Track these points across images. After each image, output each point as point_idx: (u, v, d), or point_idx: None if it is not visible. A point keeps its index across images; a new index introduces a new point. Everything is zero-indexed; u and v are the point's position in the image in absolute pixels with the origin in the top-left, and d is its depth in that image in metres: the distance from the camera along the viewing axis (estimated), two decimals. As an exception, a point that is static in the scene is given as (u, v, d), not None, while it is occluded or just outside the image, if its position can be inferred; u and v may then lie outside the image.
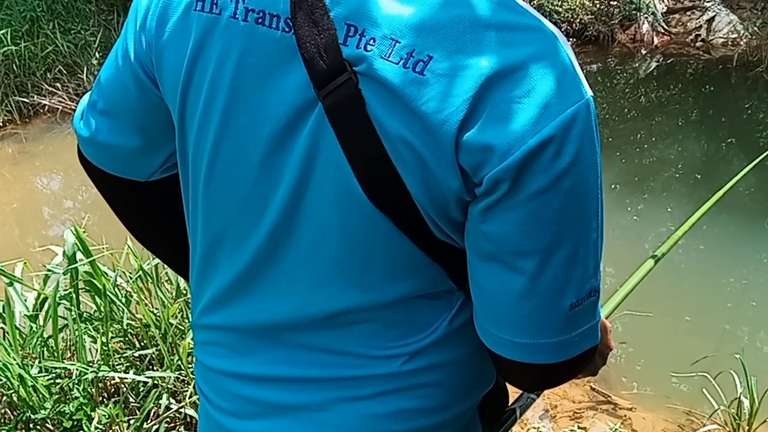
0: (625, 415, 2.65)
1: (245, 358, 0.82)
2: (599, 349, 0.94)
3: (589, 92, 0.65)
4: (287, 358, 0.79)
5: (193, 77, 0.72)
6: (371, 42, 0.63)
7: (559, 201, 0.64)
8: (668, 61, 7.26)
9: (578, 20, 7.55)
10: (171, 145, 0.82)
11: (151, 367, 2.23)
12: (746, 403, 2.46)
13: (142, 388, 2.18)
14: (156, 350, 2.20)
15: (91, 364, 2.08)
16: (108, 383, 2.19)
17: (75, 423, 1.95)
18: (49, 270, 2.28)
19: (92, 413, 1.97)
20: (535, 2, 7.94)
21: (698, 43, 7.40)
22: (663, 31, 7.61)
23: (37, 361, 2.08)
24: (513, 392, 0.96)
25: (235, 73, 0.70)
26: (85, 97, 0.88)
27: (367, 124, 0.64)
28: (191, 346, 2.15)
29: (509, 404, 0.97)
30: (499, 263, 0.68)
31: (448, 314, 0.77)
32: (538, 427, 2.57)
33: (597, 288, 0.70)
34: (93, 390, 2.09)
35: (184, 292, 2.37)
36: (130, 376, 2.11)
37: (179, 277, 2.38)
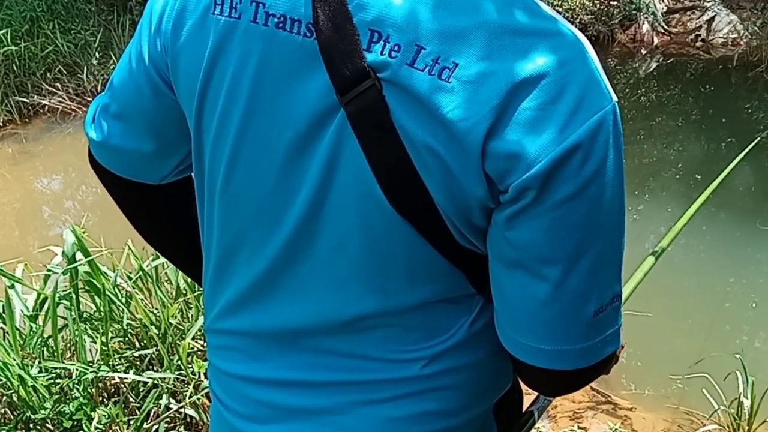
0: (625, 415, 2.65)
1: (262, 362, 0.82)
2: None
3: (614, 97, 0.64)
4: (305, 362, 0.79)
5: (210, 82, 0.72)
6: (396, 48, 0.63)
7: (586, 208, 0.64)
8: (668, 61, 7.26)
9: (578, 20, 7.54)
10: (185, 149, 0.82)
11: (151, 367, 2.23)
12: (746, 403, 2.46)
13: (142, 388, 2.18)
14: (156, 350, 2.20)
15: (91, 364, 2.08)
16: (108, 383, 2.19)
17: (75, 423, 1.95)
18: (48, 270, 2.28)
19: (92, 413, 1.97)
20: (535, 2, 7.93)
21: (698, 43, 7.40)
22: (663, 31, 7.61)
23: (37, 361, 2.08)
24: (527, 392, 0.96)
25: (255, 78, 0.69)
26: (96, 101, 0.87)
27: (390, 131, 0.64)
28: (191, 346, 2.15)
29: (525, 406, 0.97)
30: (523, 270, 0.67)
31: (468, 318, 0.77)
32: (538, 428, 2.57)
33: (619, 293, 0.70)
34: (93, 390, 2.10)
35: (184, 292, 2.37)
36: (130, 376, 2.11)
37: (179, 277, 2.38)
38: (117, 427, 2.04)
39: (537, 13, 0.64)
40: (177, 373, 2.12)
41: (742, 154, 1.63)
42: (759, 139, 1.97)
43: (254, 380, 0.82)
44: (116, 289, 2.32)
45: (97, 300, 2.27)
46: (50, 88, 5.79)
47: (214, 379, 0.89)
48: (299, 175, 0.70)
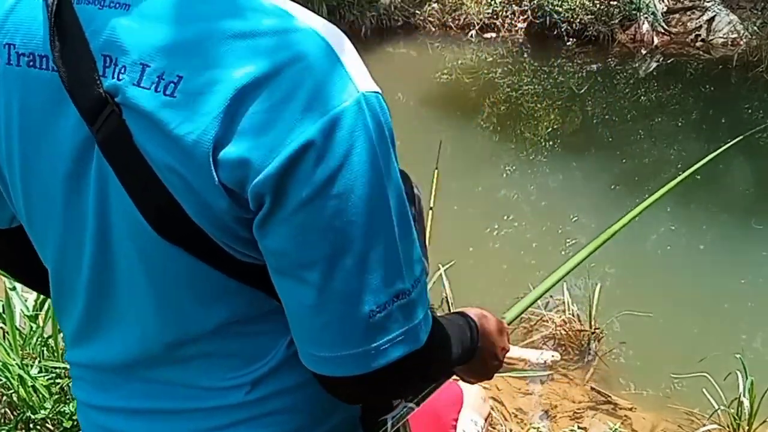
0: (625, 415, 2.65)
1: (106, 392, 0.82)
2: (492, 351, 0.91)
3: (368, 88, 0.62)
4: (143, 391, 0.79)
5: None
6: (122, 70, 0.62)
7: (333, 208, 0.61)
8: (668, 61, 7.27)
9: (578, 20, 7.56)
10: None
11: (151, 367, 2.23)
12: (746, 403, 2.47)
13: (142, 388, 2.18)
14: (156, 350, 2.20)
15: (91, 364, 2.08)
16: (108, 383, 2.19)
17: (75, 423, 1.95)
18: (49, 270, 2.28)
19: (92, 413, 1.97)
20: (534, 2, 7.94)
21: (698, 43, 7.41)
22: (663, 31, 7.62)
23: (37, 361, 2.08)
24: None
25: (20, 121, 0.68)
26: None
27: (136, 155, 0.62)
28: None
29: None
30: (287, 277, 0.65)
31: (284, 340, 0.74)
32: (538, 428, 2.57)
33: (406, 290, 0.67)
34: (93, 390, 2.10)
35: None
36: (130, 376, 2.11)
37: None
38: (117, 427, 2.04)
39: (263, 12, 0.62)
40: (177, 373, 2.12)
41: (727, 146, 1.64)
42: (742, 137, 1.96)
43: (103, 408, 0.83)
44: (116, 289, 2.32)
45: (97, 300, 2.27)
46: (50, 88, 5.79)
47: (78, 411, 0.89)
48: (81, 213, 0.69)
